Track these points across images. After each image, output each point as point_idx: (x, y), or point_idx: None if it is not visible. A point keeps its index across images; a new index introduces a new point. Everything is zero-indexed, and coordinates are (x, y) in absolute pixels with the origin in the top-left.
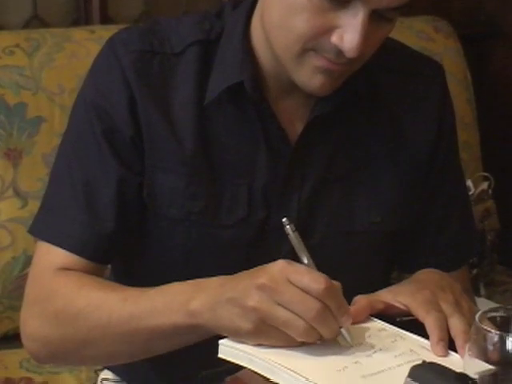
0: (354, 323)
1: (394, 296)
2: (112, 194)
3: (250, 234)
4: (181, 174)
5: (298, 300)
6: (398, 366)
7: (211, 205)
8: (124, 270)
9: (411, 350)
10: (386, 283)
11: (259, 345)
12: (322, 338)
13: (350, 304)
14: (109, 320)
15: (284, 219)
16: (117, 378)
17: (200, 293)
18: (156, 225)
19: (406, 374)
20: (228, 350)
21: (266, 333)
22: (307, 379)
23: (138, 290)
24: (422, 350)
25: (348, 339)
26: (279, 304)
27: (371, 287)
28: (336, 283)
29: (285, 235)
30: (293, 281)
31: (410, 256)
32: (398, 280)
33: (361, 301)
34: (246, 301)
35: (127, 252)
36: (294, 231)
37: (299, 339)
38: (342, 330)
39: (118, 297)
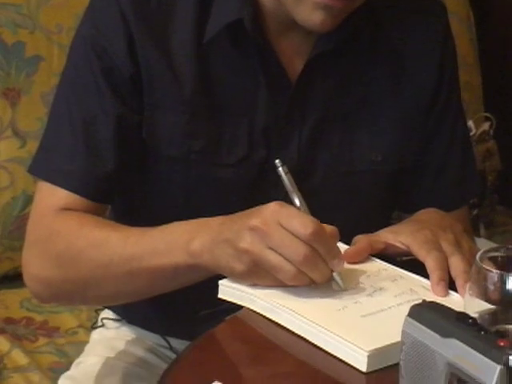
0: (354, 263)
1: (395, 236)
2: (111, 133)
3: (250, 173)
4: (180, 113)
5: (286, 244)
6: (398, 305)
7: (211, 144)
8: (124, 210)
9: (411, 290)
10: (386, 223)
11: (257, 285)
12: (315, 283)
13: (350, 244)
14: (110, 260)
15: (277, 160)
16: (117, 317)
17: (200, 233)
18: (156, 164)
19: (406, 313)
20: (228, 291)
21: (258, 274)
22: (307, 319)
23: (140, 230)
24: (422, 289)
25: (340, 284)
26: (270, 247)
27: (372, 227)
28: (331, 228)
29: None
30: (283, 224)
31: (411, 196)
32: (399, 220)
33: (361, 240)
34: (238, 242)
35: (128, 191)
36: (286, 173)
37: (289, 283)
38: (334, 275)
39: (119, 236)
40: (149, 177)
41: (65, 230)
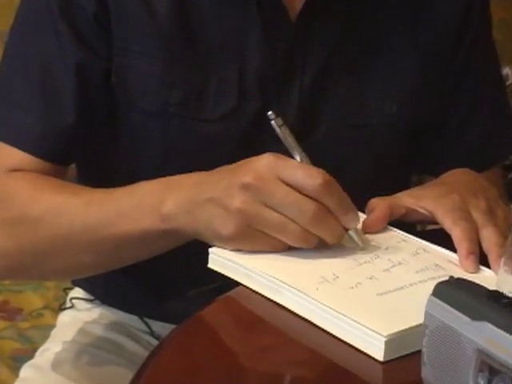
0: (370, 232)
1: (417, 200)
2: (72, 81)
3: (242, 129)
4: (156, 57)
5: (290, 202)
6: (420, 282)
7: (193, 94)
8: (91, 175)
9: (436, 265)
10: (404, 187)
11: (253, 252)
12: (325, 243)
13: (361, 210)
14: (70, 228)
15: (269, 112)
16: (89, 296)
17: (173, 193)
18: (128, 119)
19: (430, 291)
20: (220, 261)
21: (249, 237)
22: (314, 299)
23: (104, 192)
24: (448, 264)
25: (358, 242)
26: (268, 206)
27: (387, 191)
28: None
29: None
30: (283, 178)
31: (435, 155)
32: (419, 185)
33: (379, 204)
34: (229, 201)
35: (93, 152)
36: (281, 126)
37: (295, 245)
38: (350, 232)
39: (80, 201)
40: (119, 134)
41: (18, 195)
